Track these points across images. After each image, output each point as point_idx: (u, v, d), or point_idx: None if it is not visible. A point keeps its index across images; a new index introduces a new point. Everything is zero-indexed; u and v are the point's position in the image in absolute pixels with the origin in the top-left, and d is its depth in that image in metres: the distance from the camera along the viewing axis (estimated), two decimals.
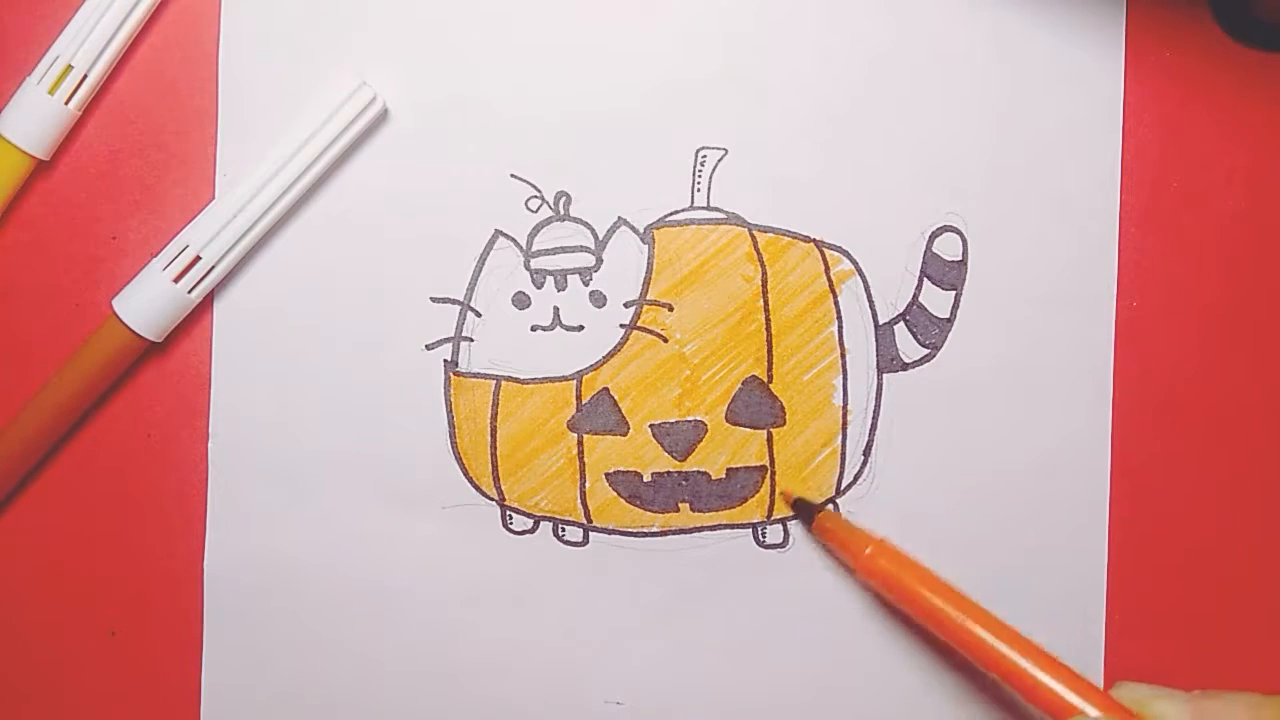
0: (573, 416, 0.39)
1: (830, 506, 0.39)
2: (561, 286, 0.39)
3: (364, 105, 0.38)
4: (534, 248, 0.39)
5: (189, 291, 0.38)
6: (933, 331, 0.40)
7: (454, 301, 0.39)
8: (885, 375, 0.40)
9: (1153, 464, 0.40)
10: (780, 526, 0.40)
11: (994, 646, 0.34)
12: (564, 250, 0.39)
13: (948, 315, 0.40)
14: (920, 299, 0.40)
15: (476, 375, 0.39)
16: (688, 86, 0.39)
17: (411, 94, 0.39)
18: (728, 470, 0.39)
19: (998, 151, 0.39)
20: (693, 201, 0.39)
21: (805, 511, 0.39)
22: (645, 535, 0.40)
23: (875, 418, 0.40)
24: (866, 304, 0.40)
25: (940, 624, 0.35)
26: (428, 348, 0.39)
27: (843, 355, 0.40)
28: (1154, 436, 0.40)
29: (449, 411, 0.39)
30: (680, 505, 0.40)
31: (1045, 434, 0.40)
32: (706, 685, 0.40)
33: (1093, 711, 0.31)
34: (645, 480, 0.39)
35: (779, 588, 0.40)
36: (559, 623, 0.40)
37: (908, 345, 0.40)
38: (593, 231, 0.39)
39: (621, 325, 0.39)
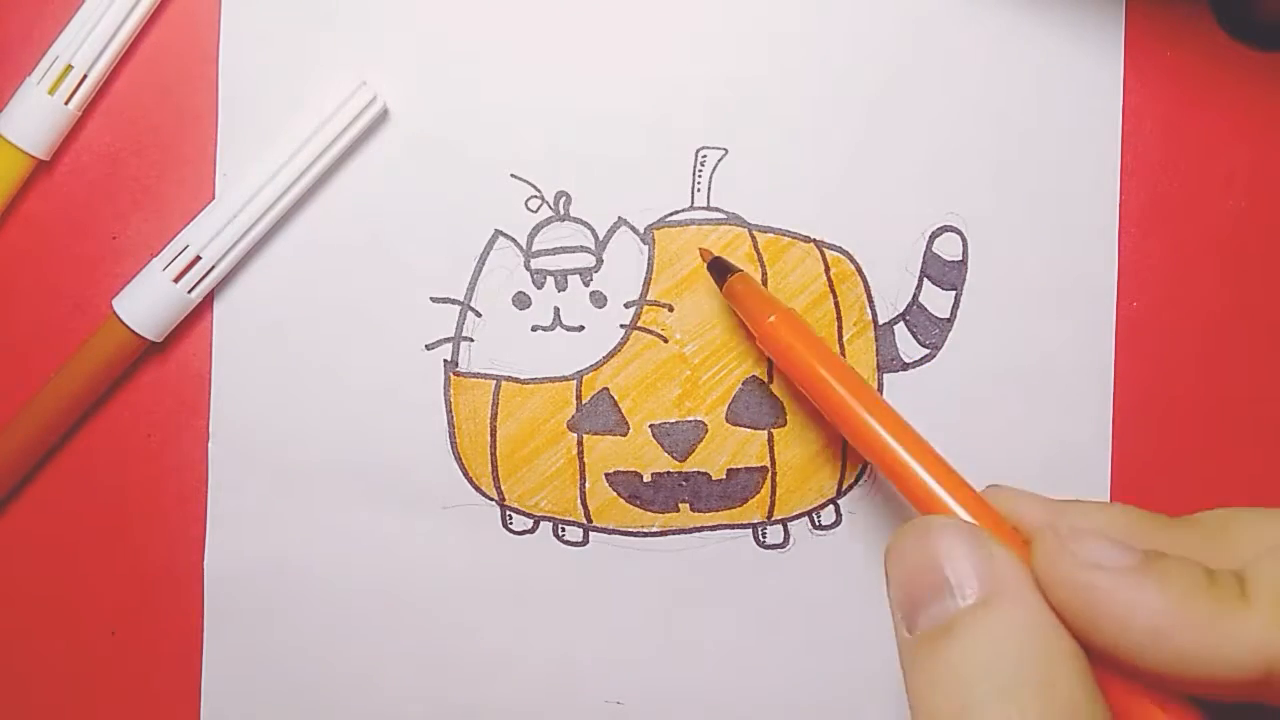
0: (573, 416, 0.39)
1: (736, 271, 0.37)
2: (562, 287, 0.39)
3: (364, 105, 0.38)
4: (534, 248, 0.39)
5: (189, 291, 0.38)
6: (933, 331, 0.40)
7: (454, 301, 0.39)
8: (885, 375, 0.40)
9: (1153, 464, 0.40)
10: (780, 527, 0.40)
11: (876, 432, 0.32)
12: (564, 250, 0.39)
13: (948, 315, 0.40)
14: (920, 299, 0.40)
15: (476, 375, 0.39)
16: (688, 86, 0.39)
17: (411, 94, 0.39)
18: (728, 471, 0.39)
19: (998, 151, 0.39)
20: (693, 201, 0.39)
21: (720, 271, 0.38)
22: (645, 535, 0.40)
23: None
24: (866, 304, 0.40)
25: (827, 402, 0.33)
26: (428, 348, 0.39)
27: (843, 355, 0.40)
28: (1154, 437, 0.40)
29: (449, 411, 0.39)
30: (680, 505, 0.39)
31: (1045, 434, 0.40)
32: (706, 685, 0.40)
33: (964, 514, 0.30)
34: (645, 480, 0.39)
35: (779, 588, 0.40)
36: (559, 623, 0.40)
37: (908, 345, 0.40)
38: (593, 232, 0.39)
39: (622, 325, 0.39)
